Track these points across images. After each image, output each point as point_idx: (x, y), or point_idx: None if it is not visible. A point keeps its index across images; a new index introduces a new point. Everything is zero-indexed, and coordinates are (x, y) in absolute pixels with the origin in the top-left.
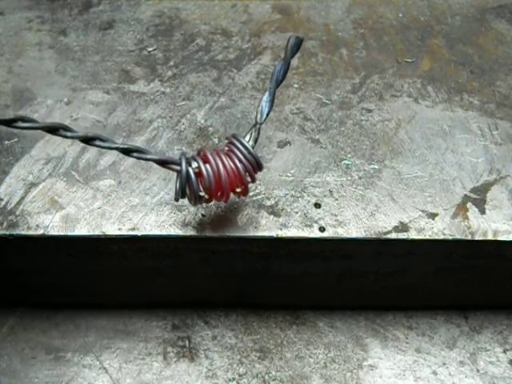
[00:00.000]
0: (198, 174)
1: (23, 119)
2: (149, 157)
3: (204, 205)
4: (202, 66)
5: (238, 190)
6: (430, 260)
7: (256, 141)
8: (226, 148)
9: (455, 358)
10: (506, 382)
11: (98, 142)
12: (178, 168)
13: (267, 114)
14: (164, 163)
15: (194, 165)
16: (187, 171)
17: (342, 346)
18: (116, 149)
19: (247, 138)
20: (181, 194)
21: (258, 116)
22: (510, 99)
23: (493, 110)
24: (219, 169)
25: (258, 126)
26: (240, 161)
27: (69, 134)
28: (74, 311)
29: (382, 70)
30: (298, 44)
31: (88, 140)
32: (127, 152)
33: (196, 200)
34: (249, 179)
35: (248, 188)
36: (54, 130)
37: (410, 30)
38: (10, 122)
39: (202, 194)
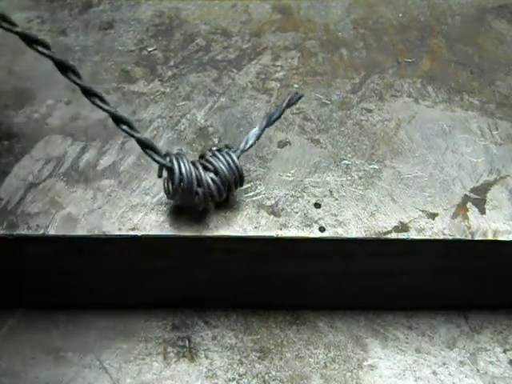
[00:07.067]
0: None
1: (44, 44)
2: (135, 134)
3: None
4: (202, 65)
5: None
6: (430, 260)
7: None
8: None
9: (455, 358)
10: (506, 382)
11: (96, 100)
12: (156, 158)
13: (251, 145)
14: (146, 147)
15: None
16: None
17: (342, 346)
18: (107, 111)
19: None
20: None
21: (243, 144)
22: (510, 99)
23: (493, 110)
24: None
25: (239, 152)
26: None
27: (76, 79)
28: (74, 311)
29: (382, 70)
30: (296, 100)
31: (87, 92)
32: (117, 120)
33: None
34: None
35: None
36: (64, 68)
37: (410, 30)
38: (30, 41)
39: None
